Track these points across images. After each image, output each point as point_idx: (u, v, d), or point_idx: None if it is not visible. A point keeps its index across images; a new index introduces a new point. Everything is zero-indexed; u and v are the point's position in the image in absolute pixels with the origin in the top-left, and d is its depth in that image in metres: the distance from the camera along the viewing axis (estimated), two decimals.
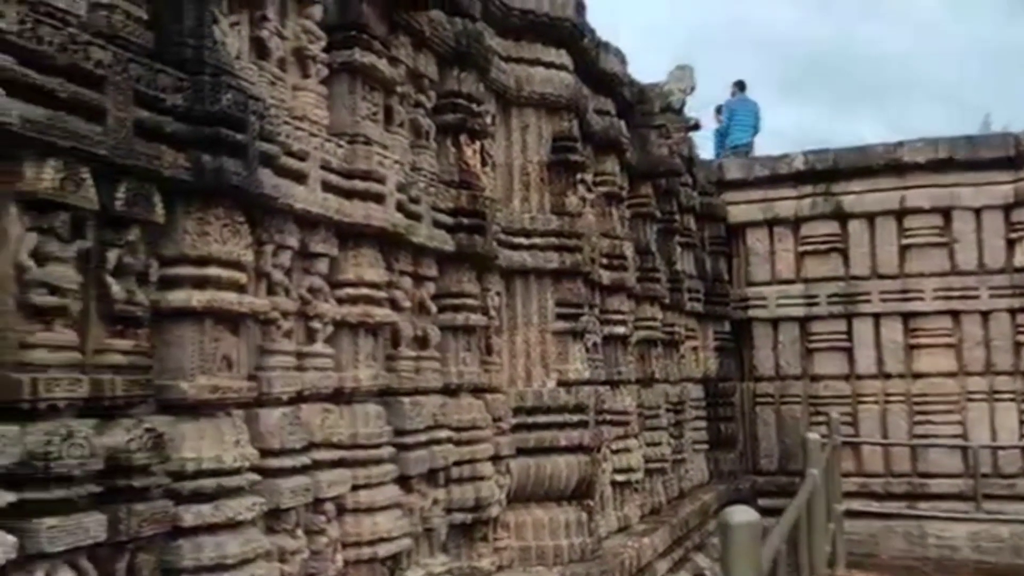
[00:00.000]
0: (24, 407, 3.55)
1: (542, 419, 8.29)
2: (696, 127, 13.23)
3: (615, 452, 9.79)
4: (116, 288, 3.99)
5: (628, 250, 10.30)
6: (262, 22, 5.12)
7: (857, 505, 13.04)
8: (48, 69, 3.62)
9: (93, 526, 3.62)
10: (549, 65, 8.84)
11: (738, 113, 17.50)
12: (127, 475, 3.87)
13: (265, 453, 4.77)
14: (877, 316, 14.21)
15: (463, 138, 7.45)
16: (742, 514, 3.29)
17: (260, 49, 5.11)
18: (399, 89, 6.57)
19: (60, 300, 3.71)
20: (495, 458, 7.50)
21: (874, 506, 13.38)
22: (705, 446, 13.32)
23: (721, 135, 17.59)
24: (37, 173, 3.62)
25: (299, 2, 5.57)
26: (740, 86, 17.91)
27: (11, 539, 3.29)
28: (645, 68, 16.18)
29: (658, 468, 11.01)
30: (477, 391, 7.49)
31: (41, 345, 3.65)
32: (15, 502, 3.36)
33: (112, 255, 4.01)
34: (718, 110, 17.90)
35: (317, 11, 5.68)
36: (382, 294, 6.08)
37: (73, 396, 3.72)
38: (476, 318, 7.38)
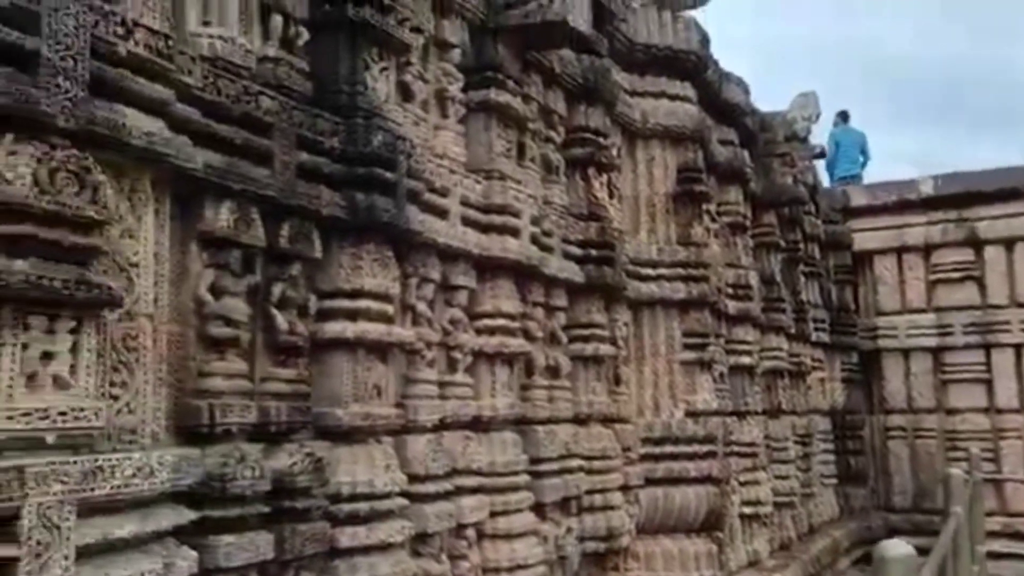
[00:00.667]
0: (203, 431, 3.82)
1: (670, 449, 8.28)
2: (821, 155, 13.01)
3: (743, 484, 9.65)
4: (280, 320, 4.25)
5: (753, 280, 10.21)
6: (406, 67, 5.38)
7: (999, 546, 12.45)
8: (225, 119, 3.92)
9: (263, 544, 3.85)
10: (673, 97, 8.92)
11: (843, 144, 17.06)
12: (291, 496, 4.10)
13: (411, 479, 4.95)
14: (1019, 347, 13.60)
15: (591, 171, 7.59)
16: (899, 548, 3.26)
17: (405, 92, 5.37)
18: (531, 125, 6.77)
19: (233, 331, 3.99)
20: (625, 488, 7.54)
21: (1019, 547, 12.74)
22: (834, 480, 12.96)
23: (828, 166, 17.16)
24: (215, 214, 3.92)
25: (439, 46, 5.83)
26: (843, 117, 17.42)
27: (193, 554, 3.54)
28: (763, 94, 16.01)
29: (786, 502, 10.79)
30: (606, 421, 7.56)
31: (217, 373, 3.92)
32: (196, 519, 3.60)
33: (277, 289, 4.28)
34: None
35: (456, 54, 5.93)
36: (517, 325, 6.23)
37: (244, 421, 3.98)
38: (605, 348, 7.46)
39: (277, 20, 4.46)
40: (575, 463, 6.80)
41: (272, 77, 4.34)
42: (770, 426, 10.67)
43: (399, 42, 5.05)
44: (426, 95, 5.64)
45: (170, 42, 3.47)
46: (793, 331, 11.65)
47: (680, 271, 8.65)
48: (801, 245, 12.46)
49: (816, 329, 12.65)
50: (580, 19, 6.21)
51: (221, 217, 3.92)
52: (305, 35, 4.63)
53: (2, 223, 2.90)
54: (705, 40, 9.19)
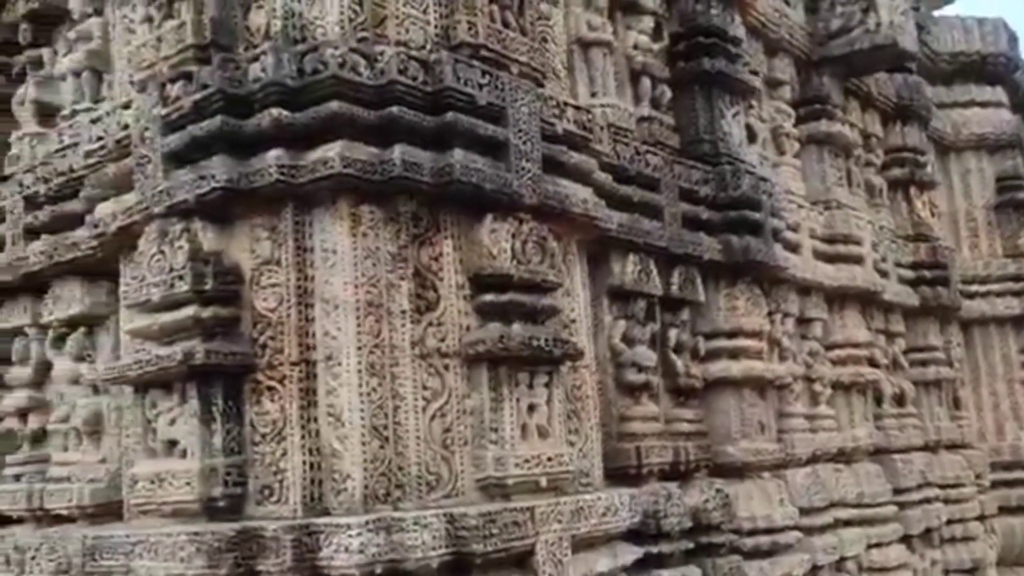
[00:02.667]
0: (631, 472, 4.07)
1: (1022, 475, 7.80)
2: None
3: None
4: (679, 363, 4.47)
5: None
6: (749, 110, 5.53)
7: None
8: (624, 179, 4.21)
9: None
10: (985, 104, 8.53)
11: None
12: (706, 532, 4.26)
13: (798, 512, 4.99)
14: None
15: (912, 191, 7.39)
16: None
17: (750, 133, 5.51)
18: (854, 151, 6.71)
19: (645, 377, 4.24)
20: (981, 517, 7.19)
21: None
22: None
23: None
24: (622, 268, 4.20)
25: (771, 85, 5.94)
26: None
27: None
28: None
29: None
30: (953, 447, 7.26)
31: (636, 417, 4.18)
32: (640, 558, 3.83)
33: (672, 334, 4.50)
34: None
35: (786, 91, 6.02)
36: (865, 353, 6.15)
37: (662, 461, 4.20)
38: (945, 371, 7.19)
39: (646, 82, 4.74)
40: (931, 492, 6.57)
41: (648, 135, 4.61)
42: None
43: (747, 87, 5.21)
44: (765, 134, 5.75)
45: (589, 116, 3.79)
46: None
47: (1011, 285, 8.21)
48: None
49: None
50: (908, 39, 6.12)
51: (627, 271, 4.19)
52: (668, 93, 4.88)
53: (494, 292, 3.27)
54: (1013, 39, 8.73)
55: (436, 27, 3.40)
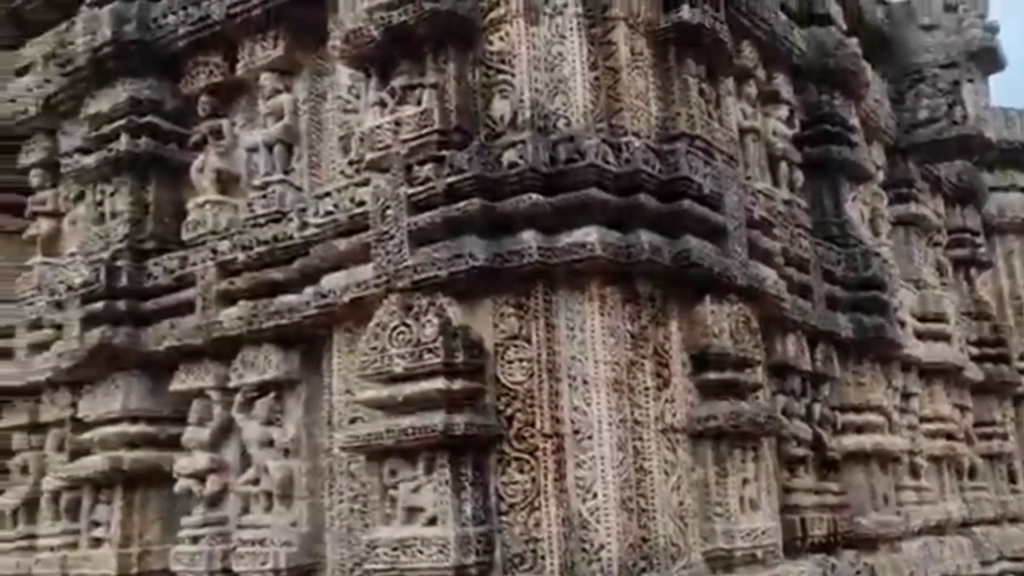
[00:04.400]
0: (797, 544, 4.22)
1: None
2: None
3: None
4: (825, 437, 4.66)
5: None
6: (858, 195, 5.81)
7: None
8: (788, 261, 4.43)
9: None
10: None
11: None
12: None
13: None
14: None
15: (972, 271, 7.73)
16: None
17: (859, 216, 5.79)
18: (933, 233, 7.03)
19: (803, 451, 4.41)
20: None
21: None
22: None
23: None
24: (784, 345, 4.40)
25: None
26: None
27: None
28: None
29: None
30: (1014, 520, 7.49)
31: (797, 489, 4.34)
32: None
33: (816, 408, 4.69)
34: None
35: (880, 175, 6.33)
36: (952, 427, 6.39)
37: (820, 533, 4.36)
38: (1006, 445, 7.46)
39: (784, 167, 4.99)
40: (1006, 565, 6.77)
41: (790, 215, 4.85)
42: None
43: (865, 173, 5.50)
44: (868, 216, 6.04)
45: (772, 202, 4.02)
46: None
47: None
48: None
49: None
50: (991, 130, 6.48)
51: (789, 348, 4.39)
52: (801, 177, 5.15)
53: (715, 370, 3.46)
54: None
55: (656, 118, 3.62)
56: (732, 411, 3.37)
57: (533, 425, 3.24)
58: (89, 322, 4.48)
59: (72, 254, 5.16)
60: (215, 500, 4.26)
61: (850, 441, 4.96)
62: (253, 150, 4.45)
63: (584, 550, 3.16)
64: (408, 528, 3.32)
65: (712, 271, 3.44)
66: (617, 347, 3.28)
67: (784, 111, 5.12)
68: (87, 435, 4.62)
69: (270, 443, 4.09)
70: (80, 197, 5.20)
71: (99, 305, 4.44)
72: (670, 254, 3.36)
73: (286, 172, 4.33)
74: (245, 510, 4.17)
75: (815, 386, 4.76)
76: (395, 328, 3.40)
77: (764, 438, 3.64)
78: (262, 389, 4.13)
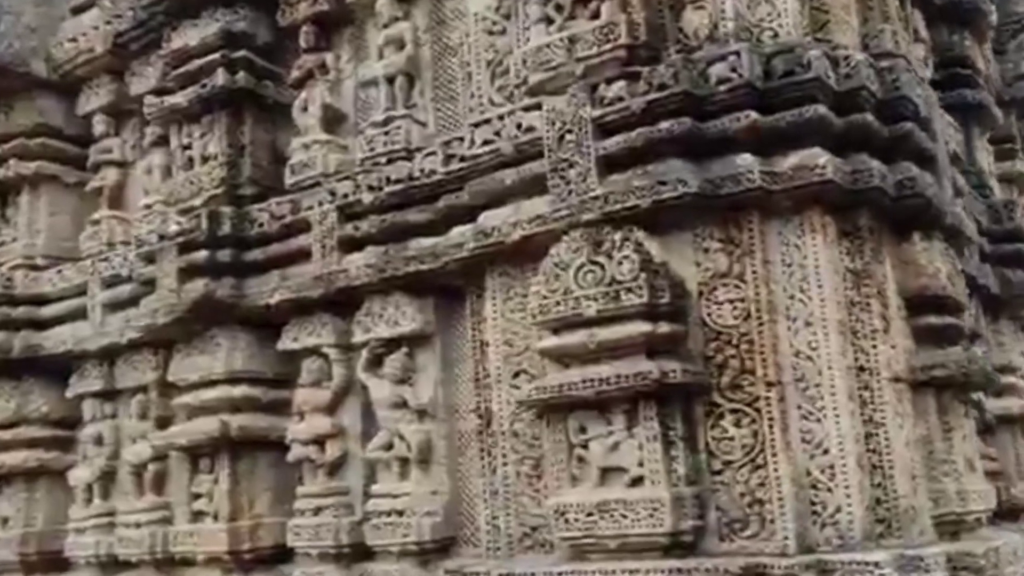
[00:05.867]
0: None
1: None
2: None
3: None
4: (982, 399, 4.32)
5: None
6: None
7: None
8: None
9: None
10: None
11: None
12: None
13: None
14: None
15: None
16: None
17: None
18: None
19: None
20: None
21: None
22: None
23: None
24: None
25: None
26: None
27: None
28: None
29: None
30: None
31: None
32: None
33: None
34: None
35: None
36: None
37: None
38: None
39: None
40: None
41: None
42: None
43: (995, 119, 5.15)
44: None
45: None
46: None
47: None
48: None
49: None
50: None
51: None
52: None
53: (934, 314, 3.10)
54: None
55: (859, 35, 3.25)
56: (961, 358, 3.01)
57: (753, 373, 2.86)
58: (188, 273, 4.04)
59: (147, 205, 4.70)
60: (335, 468, 3.85)
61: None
62: (368, 84, 4.02)
63: (815, 513, 2.79)
64: (605, 490, 2.92)
65: (931, 204, 3.08)
66: (842, 286, 2.92)
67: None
68: (181, 400, 4.18)
69: (403, 404, 3.67)
70: (157, 143, 4.74)
71: (201, 254, 4.00)
72: (893, 183, 2.99)
73: (409, 106, 3.92)
74: (372, 478, 3.76)
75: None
76: (581, 267, 3.00)
77: (986, 390, 3.29)
78: (390, 345, 3.72)
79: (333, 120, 4.16)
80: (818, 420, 2.81)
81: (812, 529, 2.78)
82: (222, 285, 4.00)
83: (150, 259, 4.22)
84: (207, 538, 3.94)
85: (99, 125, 5.09)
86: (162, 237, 4.17)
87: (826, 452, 2.79)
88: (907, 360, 3.04)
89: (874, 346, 2.91)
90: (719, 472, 2.88)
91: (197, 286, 3.99)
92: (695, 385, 2.88)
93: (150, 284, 4.24)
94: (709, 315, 2.95)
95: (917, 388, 3.05)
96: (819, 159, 2.83)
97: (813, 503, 2.80)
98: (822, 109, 2.86)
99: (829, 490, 2.78)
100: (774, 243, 2.93)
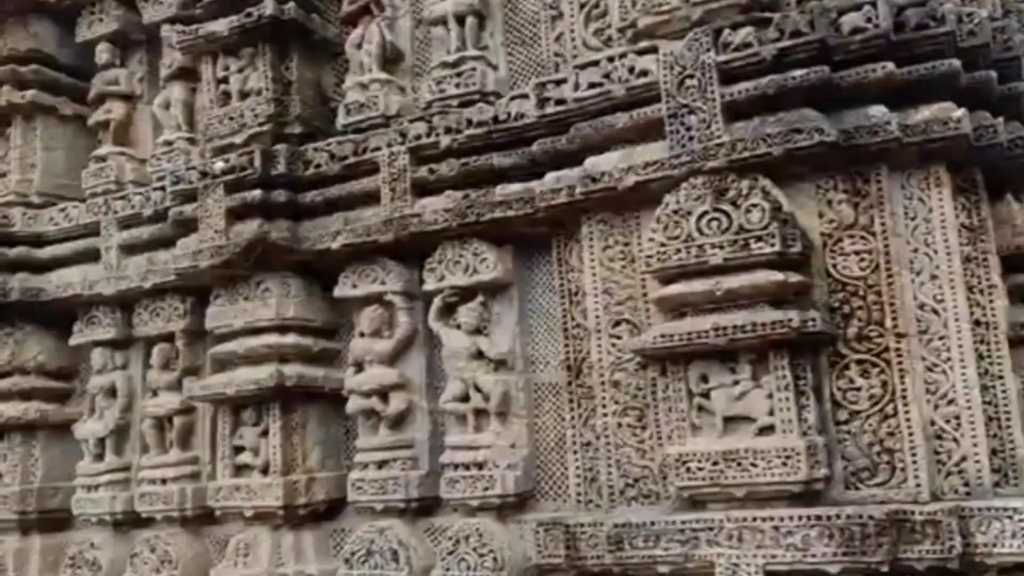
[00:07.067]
0: None
1: None
2: None
3: None
4: None
5: None
6: None
7: None
8: None
9: None
10: None
11: None
12: None
13: None
14: None
15: None
16: None
17: None
18: None
19: None
20: None
21: None
22: None
23: None
24: None
25: None
26: None
27: None
28: None
29: None
30: None
31: None
32: None
33: None
34: None
35: None
36: None
37: None
38: None
39: None
40: None
41: None
42: None
43: None
44: None
45: None
46: None
47: None
48: None
49: None
50: None
51: None
52: None
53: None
54: None
55: None
56: None
57: (881, 324, 2.88)
58: (238, 214, 3.81)
59: (167, 142, 4.41)
60: (399, 420, 3.71)
61: None
62: (435, 23, 3.85)
63: (940, 462, 2.84)
64: (731, 439, 2.90)
65: None
66: (963, 240, 2.97)
67: None
68: (222, 348, 3.96)
69: (479, 355, 3.57)
70: (177, 75, 4.44)
71: (255, 193, 3.77)
72: (1007, 139, 3.05)
73: (480, 48, 3.77)
74: (438, 431, 3.66)
75: None
76: (704, 214, 2.96)
77: None
78: (464, 294, 3.61)
79: (391, 59, 3.98)
80: (943, 372, 2.86)
81: (937, 479, 2.83)
82: (277, 227, 3.79)
83: (189, 197, 3.96)
84: (261, 492, 3.75)
85: (103, 54, 4.73)
86: (204, 175, 3.91)
87: (951, 403, 2.85)
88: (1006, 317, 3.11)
89: (991, 301, 2.97)
90: (845, 422, 2.89)
91: (251, 227, 3.77)
92: (827, 335, 2.88)
93: (185, 225, 3.98)
94: (835, 266, 2.95)
95: (1013, 345, 3.12)
96: (953, 113, 2.85)
97: (938, 452, 2.85)
98: (956, 63, 2.88)
99: (955, 440, 2.83)
100: (897, 196, 2.95)
